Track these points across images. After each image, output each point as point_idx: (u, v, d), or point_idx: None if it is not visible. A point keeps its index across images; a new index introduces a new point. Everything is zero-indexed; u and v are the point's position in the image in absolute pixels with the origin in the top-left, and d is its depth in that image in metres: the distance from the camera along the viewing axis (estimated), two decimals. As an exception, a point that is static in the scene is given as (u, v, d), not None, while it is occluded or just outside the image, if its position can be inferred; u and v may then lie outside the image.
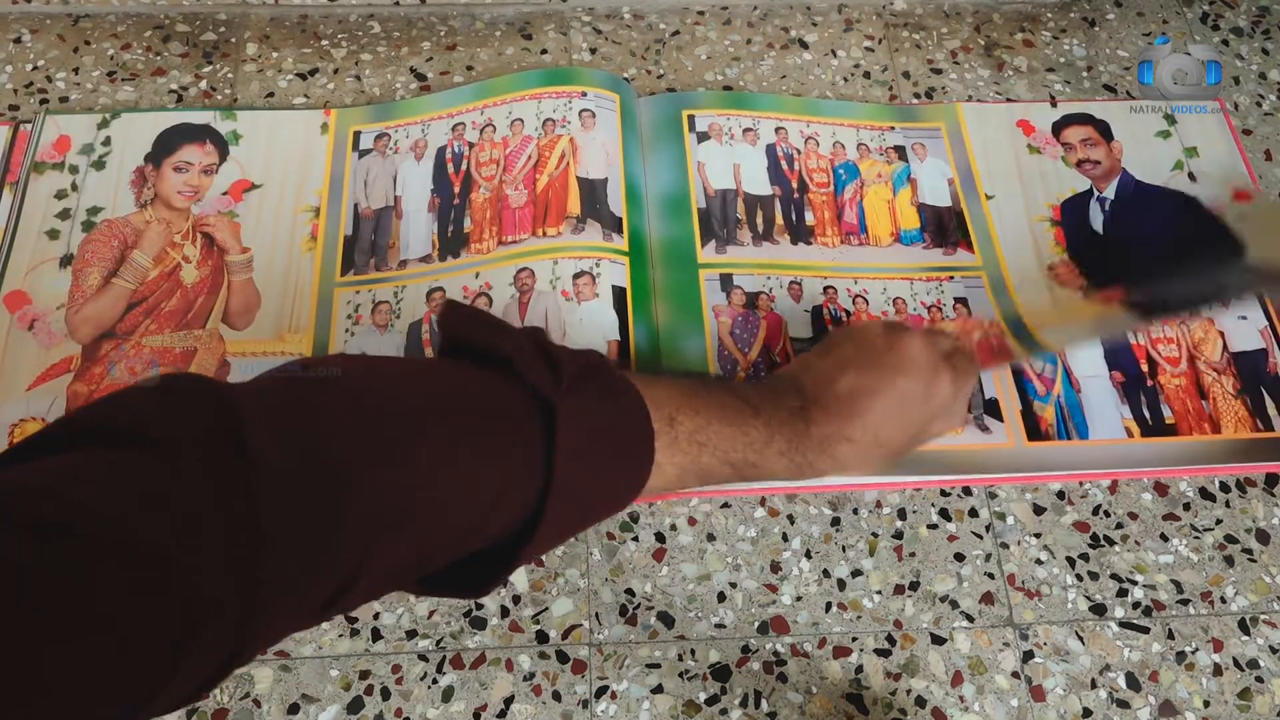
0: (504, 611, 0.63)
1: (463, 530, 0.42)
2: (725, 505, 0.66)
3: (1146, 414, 0.70)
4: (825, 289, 0.74)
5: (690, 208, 0.76)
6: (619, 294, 0.71)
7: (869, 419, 0.54)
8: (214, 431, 0.36)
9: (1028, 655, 0.62)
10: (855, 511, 0.67)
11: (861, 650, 0.62)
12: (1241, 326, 0.74)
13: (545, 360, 0.45)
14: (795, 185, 0.79)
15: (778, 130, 0.81)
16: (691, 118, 0.81)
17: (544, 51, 0.86)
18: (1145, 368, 0.72)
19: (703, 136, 0.80)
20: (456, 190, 0.76)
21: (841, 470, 0.56)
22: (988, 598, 0.64)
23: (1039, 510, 0.67)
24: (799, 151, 0.80)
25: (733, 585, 0.64)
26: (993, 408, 0.70)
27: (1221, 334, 0.73)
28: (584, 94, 0.79)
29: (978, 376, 0.61)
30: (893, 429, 0.55)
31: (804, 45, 0.88)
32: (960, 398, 0.59)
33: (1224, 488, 0.69)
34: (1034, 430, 0.69)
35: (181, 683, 0.34)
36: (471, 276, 0.72)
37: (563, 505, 0.44)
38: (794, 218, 0.77)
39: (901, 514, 0.67)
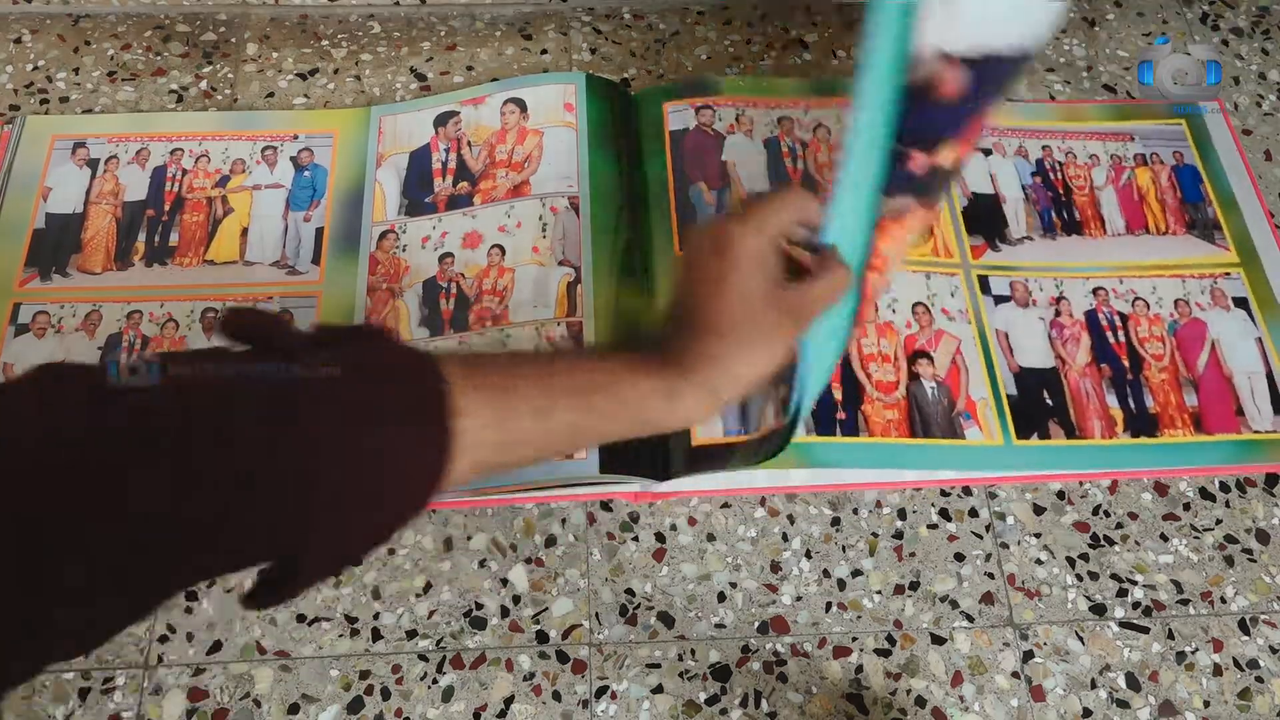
0: (504, 611, 0.63)
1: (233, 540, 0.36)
2: (725, 505, 0.66)
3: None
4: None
5: None
6: None
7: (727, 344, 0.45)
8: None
9: (1028, 655, 0.62)
10: (855, 511, 0.67)
11: (861, 650, 0.62)
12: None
13: (313, 342, 0.40)
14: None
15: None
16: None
17: (544, 51, 0.86)
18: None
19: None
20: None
21: (722, 394, 0.47)
22: (988, 598, 0.64)
23: (1039, 510, 0.67)
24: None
25: (733, 585, 0.64)
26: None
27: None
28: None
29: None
30: (756, 344, 0.46)
31: (804, 45, 0.88)
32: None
33: (1224, 488, 0.69)
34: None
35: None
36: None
37: (325, 501, 0.37)
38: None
39: (901, 514, 0.67)
